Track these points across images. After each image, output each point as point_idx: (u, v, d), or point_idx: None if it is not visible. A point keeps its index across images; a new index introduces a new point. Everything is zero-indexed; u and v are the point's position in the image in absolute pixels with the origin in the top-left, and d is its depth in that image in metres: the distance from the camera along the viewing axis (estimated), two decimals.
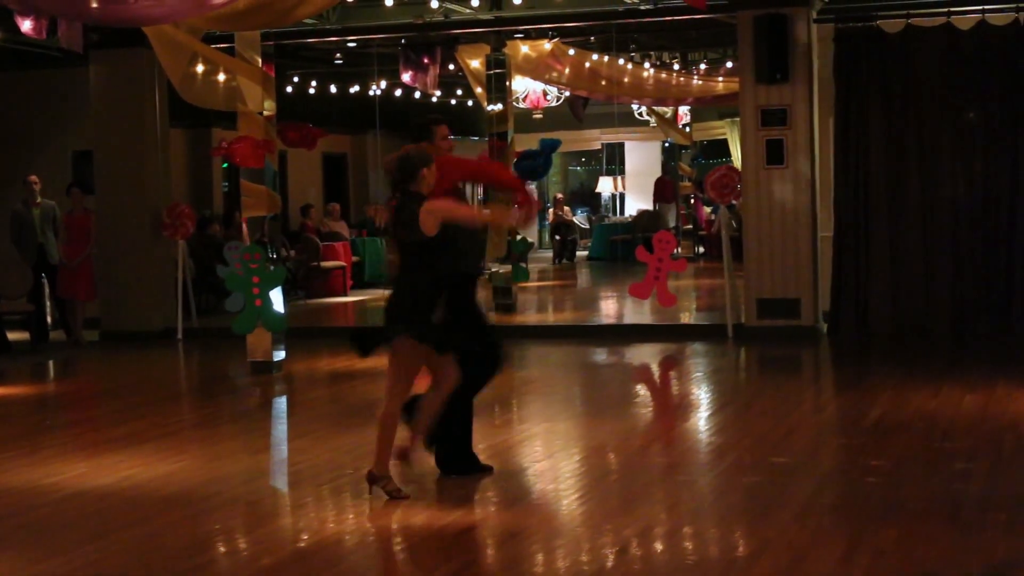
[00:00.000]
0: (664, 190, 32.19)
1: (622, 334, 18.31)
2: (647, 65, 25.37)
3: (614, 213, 35.33)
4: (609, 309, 22.63)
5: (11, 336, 18.61)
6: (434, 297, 8.83)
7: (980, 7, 16.70)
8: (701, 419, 12.55)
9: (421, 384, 9.09)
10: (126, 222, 19.16)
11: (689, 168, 33.39)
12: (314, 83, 25.35)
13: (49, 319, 19.71)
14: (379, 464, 8.91)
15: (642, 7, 18.33)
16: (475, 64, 21.85)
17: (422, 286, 8.80)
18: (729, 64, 25.16)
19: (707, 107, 29.71)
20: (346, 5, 17.72)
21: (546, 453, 10.67)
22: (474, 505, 8.95)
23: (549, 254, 33.29)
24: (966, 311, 16.70)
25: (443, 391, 8.97)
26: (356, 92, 25.79)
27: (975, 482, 9.10)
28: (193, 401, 15.18)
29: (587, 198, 37.22)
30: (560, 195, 34.18)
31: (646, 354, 16.98)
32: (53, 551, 8.16)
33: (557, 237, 32.42)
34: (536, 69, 22.71)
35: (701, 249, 31.71)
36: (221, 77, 17.19)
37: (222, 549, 8.34)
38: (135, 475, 10.09)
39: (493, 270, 21.21)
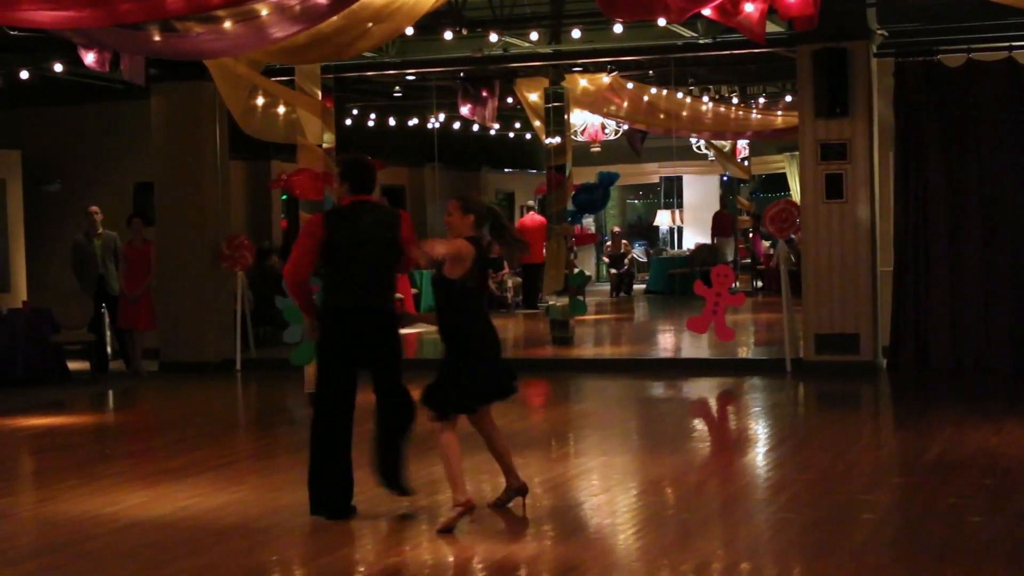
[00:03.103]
0: (722, 224, 32.14)
1: (679, 368, 18.24)
2: (705, 99, 25.36)
3: (672, 247, 35.30)
4: (666, 343, 22.57)
5: (71, 366, 18.74)
6: None
7: None
8: (759, 454, 12.48)
9: None
10: (186, 253, 19.30)
11: (747, 202, 33.34)
12: (373, 116, 25.46)
13: (109, 349, 19.85)
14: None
15: (701, 41, 18.32)
16: (533, 97, 21.90)
17: None
18: (788, 98, 25.14)
19: (766, 141, 29.67)
20: (405, 38, 17.81)
21: (603, 487, 10.64)
22: (531, 538, 8.93)
23: (606, 287, 33.26)
24: None
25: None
26: (415, 125, 25.91)
27: None
28: (251, 432, 15.24)
29: (645, 231, 37.20)
30: (617, 228, 34.15)
31: (703, 388, 16.92)
32: None
33: (613, 271, 32.38)
34: (594, 102, 22.74)
35: (759, 283, 31.60)
36: (281, 110, 17.33)
37: None
38: (193, 505, 10.13)
39: (550, 303, 21.20)
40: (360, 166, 9.65)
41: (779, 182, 33.77)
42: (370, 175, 9.67)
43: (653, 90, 23.24)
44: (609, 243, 32.91)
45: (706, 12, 12.45)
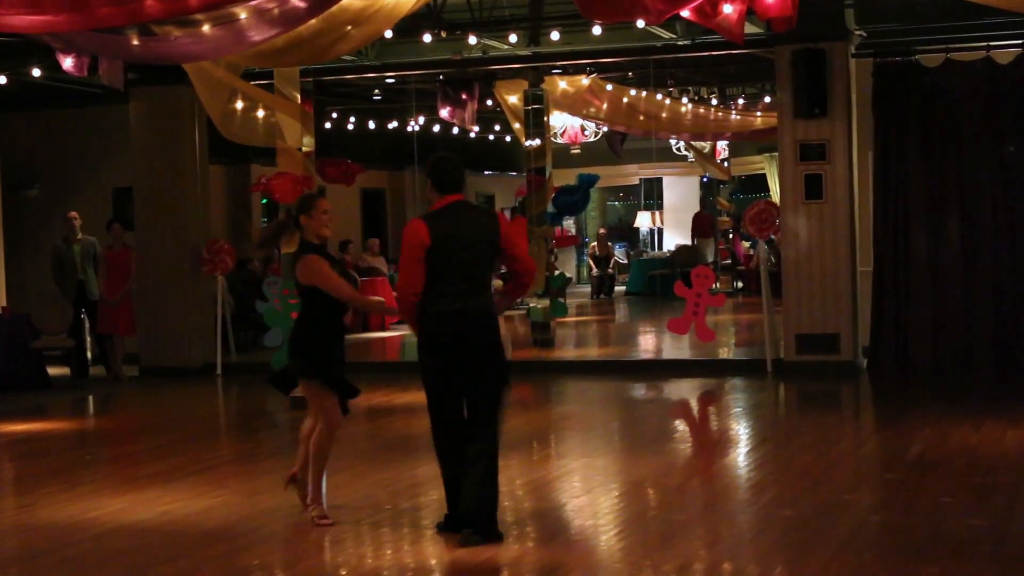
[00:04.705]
0: (702, 225, 32.17)
1: (660, 369, 18.25)
2: (685, 100, 25.38)
3: (652, 248, 35.32)
4: (647, 344, 22.58)
5: (51, 371, 18.70)
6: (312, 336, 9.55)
7: (1020, 41, 16.68)
8: (740, 455, 12.50)
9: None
10: (166, 258, 19.26)
11: (727, 203, 33.37)
12: (352, 119, 25.45)
13: (89, 355, 19.80)
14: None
15: (680, 42, 18.35)
16: (513, 100, 21.90)
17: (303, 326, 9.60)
18: (767, 99, 25.17)
19: (745, 142, 29.69)
20: (384, 41, 17.80)
21: (584, 488, 10.64)
22: (513, 540, 8.91)
23: (587, 289, 33.27)
24: (1007, 345, 16.59)
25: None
26: (394, 128, 25.90)
27: (1018, 518, 9.04)
28: (232, 436, 15.21)
29: (625, 233, 37.22)
30: (603, 230, 34.16)
31: (685, 389, 16.93)
32: None
33: (596, 272, 32.37)
34: (574, 104, 22.75)
35: (739, 284, 31.65)
36: (260, 113, 17.31)
37: None
38: (174, 510, 10.11)
39: (531, 305, 21.21)
40: (438, 164, 9.20)
41: (759, 183, 33.80)
42: (450, 172, 9.17)
43: (632, 92, 23.25)
44: (595, 244, 32.94)
45: (685, 14, 12.46)
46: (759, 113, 25.94)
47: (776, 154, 20.02)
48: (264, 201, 24.36)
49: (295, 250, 9.66)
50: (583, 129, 25.91)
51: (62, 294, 19.08)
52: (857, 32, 17.26)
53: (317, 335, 9.49)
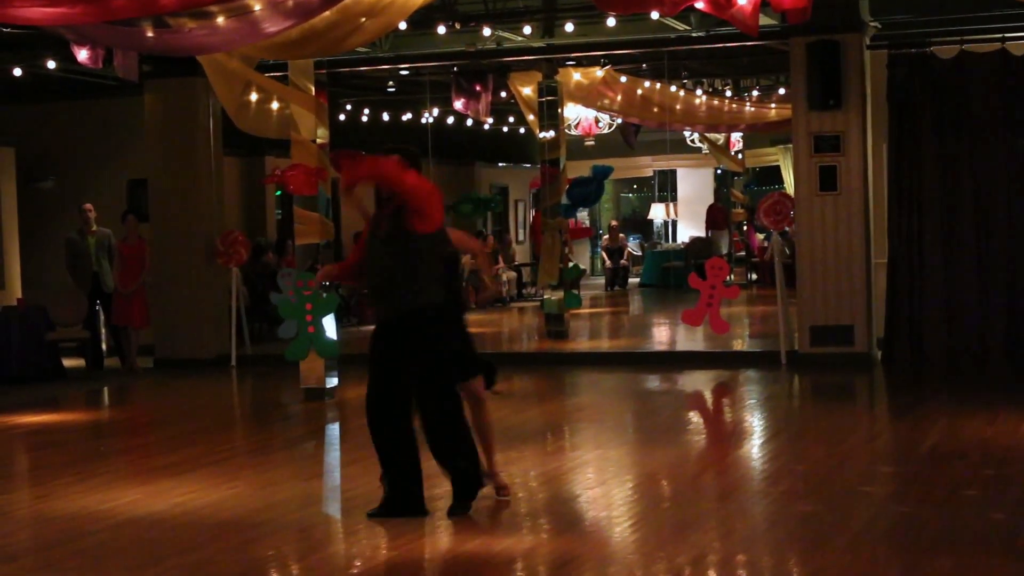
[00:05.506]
0: (716, 217, 32.14)
1: (674, 361, 18.25)
2: (699, 92, 25.34)
3: (666, 240, 35.30)
4: (661, 336, 22.57)
5: (66, 363, 18.74)
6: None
7: None
8: (754, 446, 12.49)
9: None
10: (180, 250, 19.28)
11: (742, 195, 33.33)
12: (367, 111, 25.45)
13: (104, 346, 19.84)
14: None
15: (694, 34, 18.32)
16: (527, 91, 21.88)
17: None
18: (781, 91, 25.13)
19: (759, 134, 29.64)
20: (398, 33, 17.80)
21: (599, 480, 10.64)
22: (527, 532, 8.93)
23: (601, 280, 33.25)
24: (1022, 337, 16.55)
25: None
26: (408, 119, 25.89)
27: None
28: (246, 428, 15.23)
29: (639, 225, 37.20)
30: (615, 222, 34.17)
31: (699, 381, 16.93)
32: None
33: (610, 264, 32.35)
34: (588, 96, 22.72)
35: (754, 276, 31.62)
36: (275, 105, 17.30)
37: None
38: (188, 501, 10.13)
39: (545, 297, 21.22)
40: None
41: (773, 175, 33.76)
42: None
43: (647, 83, 23.21)
44: (607, 236, 32.94)
45: (699, 5, 12.44)
46: (773, 105, 25.90)
47: (790, 146, 20.01)
48: (278, 193, 24.38)
49: None
50: (597, 121, 25.90)
51: (77, 286, 19.13)
52: (872, 24, 17.23)
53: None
